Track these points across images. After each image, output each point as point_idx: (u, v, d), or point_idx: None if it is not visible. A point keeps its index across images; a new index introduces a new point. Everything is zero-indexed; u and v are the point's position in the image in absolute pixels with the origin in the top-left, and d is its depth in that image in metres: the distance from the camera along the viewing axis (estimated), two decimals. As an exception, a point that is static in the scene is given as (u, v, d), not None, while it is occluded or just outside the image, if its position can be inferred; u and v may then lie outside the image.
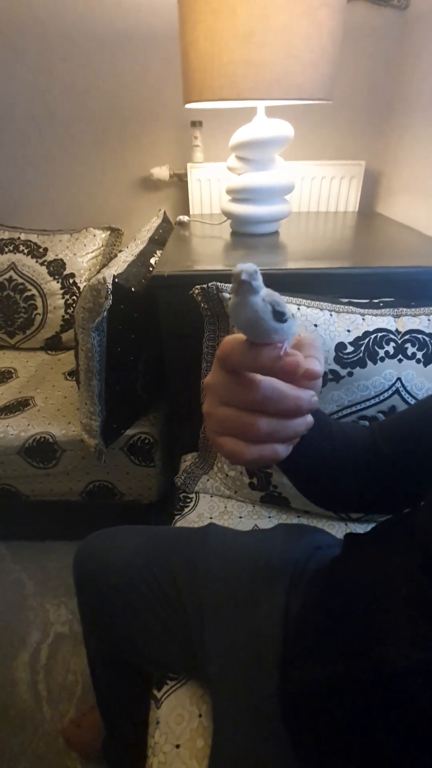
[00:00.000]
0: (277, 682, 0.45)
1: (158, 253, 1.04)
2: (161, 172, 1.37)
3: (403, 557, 0.37)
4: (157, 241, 1.10)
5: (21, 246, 1.35)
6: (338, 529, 0.76)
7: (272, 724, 0.43)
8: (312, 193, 1.37)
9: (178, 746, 0.51)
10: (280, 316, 0.25)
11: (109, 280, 0.79)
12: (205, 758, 0.49)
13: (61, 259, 1.34)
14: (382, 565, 0.40)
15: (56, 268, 1.34)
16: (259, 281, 0.25)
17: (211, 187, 1.35)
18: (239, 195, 1.01)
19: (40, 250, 1.35)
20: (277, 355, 0.26)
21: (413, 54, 1.19)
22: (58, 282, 1.34)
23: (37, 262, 1.34)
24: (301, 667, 0.42)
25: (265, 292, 0.26)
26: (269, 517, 0.80)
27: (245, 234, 1.08)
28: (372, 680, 0.34)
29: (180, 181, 1.41)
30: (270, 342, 0.26)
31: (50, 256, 1.34)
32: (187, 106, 0.95)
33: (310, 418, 0.29)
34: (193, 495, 0.85)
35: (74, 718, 0.85)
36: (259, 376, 0.27)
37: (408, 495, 0.45)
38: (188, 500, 0.84)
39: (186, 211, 1.43)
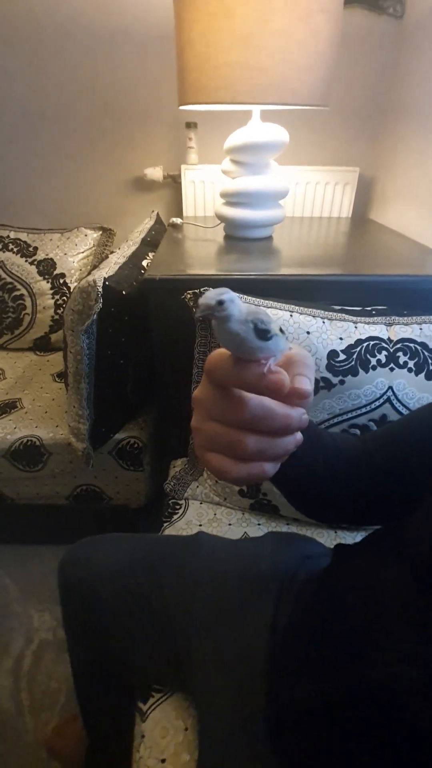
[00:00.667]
0: (263, 699, 0.44)
1: (150, 255, 1.03)
2: (155, 172, 1.36)
3: (393, 570, 0.37)
4: (150, 243, 1.09)
5: (10, 244, 1.32)
6: (327, 538, 0.76)
7: (259, 742, 0.42)
8: (306, 198, 1.37)
9: (163, 761, 0.50)
10: (263, 334, 0.25)
11: (100, 283, 0.78)
12: (190, 774, 0.48)
13: (52, 259, 1.32)
14: (372, 578, 0.39)
15: (46, 268, 1.32)
16: (227, 309, 0.24)
17: (205, 189, 1.34)
18: (233, 199, 1.01)
19: (30, 249, 1.33)
20: (260, 373, 0.25)
21: (408, 63, 1.20)
22: (48, 282, 1.32)
23: (26, 261, 1.32)
24: (288, 684, 0.42)
25: (247, 310, 0.25)
26: (259, 525, 0.79)
27: (239, 238, 1.08)
28: (362, 699, 0.33)
29: (174, 182, 1.40)
30: (255, 359, 0.26)
31: (40, 256, 1.32)
32: (182, 107, 0.94)
33: (299, 435, 0.28)
34: (183, 502, 0.84)
35: (57, 727, 0.84)
36: (247, 394, 0.26)
37: (399, 505, 0.45)
38: (177, 507, 0.83)
39: (179, 213, 1.42)
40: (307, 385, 0.27)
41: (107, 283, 0.80)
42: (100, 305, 0.78)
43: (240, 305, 0.25)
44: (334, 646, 0.38)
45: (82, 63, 1.27)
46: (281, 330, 0.27)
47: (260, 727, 0.42)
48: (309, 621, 0.45)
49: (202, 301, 0.24)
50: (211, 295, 0.24)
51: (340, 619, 0.39)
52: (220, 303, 0.24)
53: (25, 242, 1.33)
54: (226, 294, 0.24)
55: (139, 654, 0.56)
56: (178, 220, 1.22)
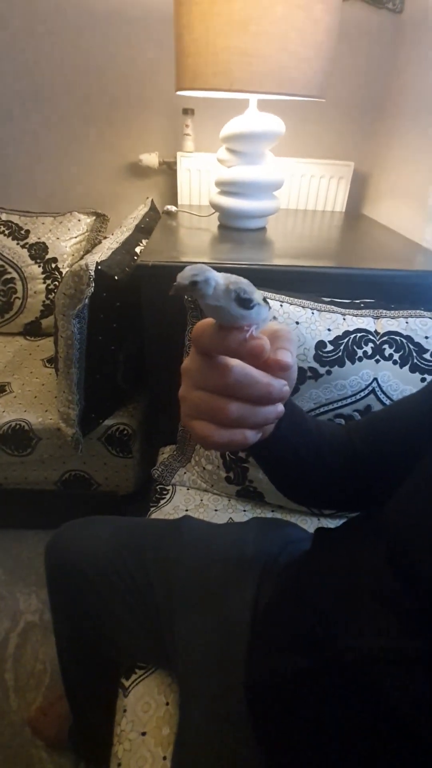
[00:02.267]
0: (243, 673, 0.45)
1: (144, 242, 1.03)
2: (150, 158, 1.35)
3: (370, 553, 0.38)
4: (144, 229, 1.09)
5: (2, 226, 1.30)
6: (311, 524, 0.78)
7: (237, 714, 0.44)
8: (300, 190, 1.38)
9: (143, 734, 0.52)
10: (246, 303, 0.26)
11: (92, 267, 0.78)
12: (170, 745, 0.50)
13: (44, 243, 1.30)
14: (350, 560, 0.41)
15: (38, 252, 1.30)
16: (201, 290, 0.25)
17: (200, 177, 1.34)
18: (228, 188, 1.01)
19: (22, 232, 1.31)
20: (242, 338, 0.27)
21: (406, 58, 1.20)
22: (39, 266, 1.31)
23: (18, 244, 1.30)
24: (267, 659, 0.43)
25: (226, 281, 0.26)
26: (244, 511, 0.81)
27: (233, 228, 1.08)
28: (336, 672, 0.35)
29: (169, 169, 1.39)
30: (238, 326, 0.27)
31: (32, 239, 1.31)
32: (179, 93, 0.93)
33: (280, 407, 0.29)
34: (170, 487, 0.85)
35: (41, 707, 0.85)
36: (231, 361, 0.28)
37: (381, 493, 0.46)
38: (165, 492, 0.84)
39: (174, 200, 1.41)
40: (288, 357, 0.28)
41: (99, 267, 0.80)
42: (92, 289, 0.78)
43: (217, 281, 0.25)
44: (312, 623, 0.40)
45: (78, 43, 1.25)
46: (265, 300, 0.28)
47: (239, 698, 0.44)
48: (289, 599, 0.47)
49: (178, 280, 0.24)
50: (186, 275, 0.25)
51: (319, 598, 0.41)
52: (194, 284, 0.24)
53: (17, 225, 1.31)
54: (200, 275, 0.24)
55: (124, 633, 0.57)
56: (173, 208, 1.21)
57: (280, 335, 0.30)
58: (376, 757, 0.32)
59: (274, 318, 0.71)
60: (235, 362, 0.27)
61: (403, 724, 0.30)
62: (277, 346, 0.29)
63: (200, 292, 0.25)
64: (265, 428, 0.32)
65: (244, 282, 0.26)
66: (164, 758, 0.49)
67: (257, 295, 0.27)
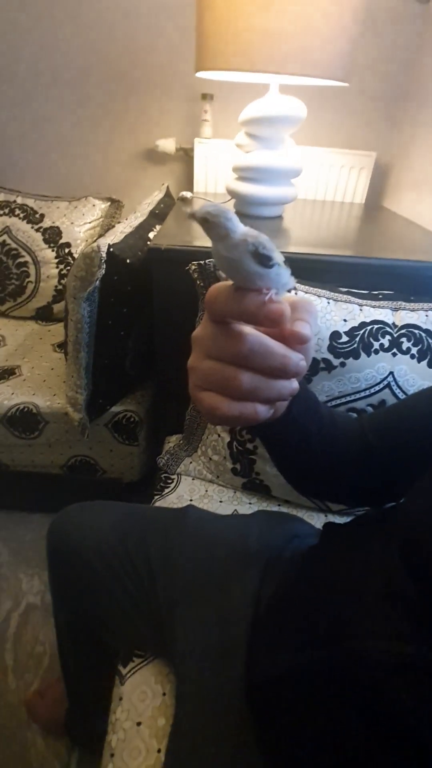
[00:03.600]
0: (243, 667, 0.44)
1: (157, 227, 1.01)
2: (167, 144, 1.33)
3: (380, 550, 0.37)
4: (158, 215, 1.07)
5: (17, 210, 1.30)
6: (317, 520, 0.76)
7: (235, 709, 0.42)
8: (319, 180, 1.34)
9: (139, 723, 0.51)
10: (265, 260, 0.24)
11: (104, 249, 0.76)
12: (165, 737, 0.49)
13: (58, 227, 1.30)
14: (359, 557, 0.39)
15: (52, 236, 1.30)
16: (226, 224, 0.23)
17: (217, 164, 1.31)
18: (246, 174, 0.98)
19: (37, 215, 1.30)
20: (261, 301, 0.25)
21: (430, 46, 1.15)
22: (53, 250, 1.30)
23: (32, 228, 1.29)
24: (268, 654, 0.42)
25: (248, 232, 0.24)
26: (249, 504, 0.79)
27: (249, 215, 1.05)
28: (340, 671, 0.33)
29: (186, 156, 1.37)
30: (255, 288, 0.25)
31: (46, 223, 1.30)
32: (198, 74, 0.91)
33: (295, 383, 0.28)
34: (175, 476, 0.84)
35: (39, 690, 0.85)
36: (247, 329, 0.26)
37: (393, 490, 0.44)
38: (169, 481, 0.83)
39: (190, 187, 1.39)
40: (307, 330, 0.26)
41: (111, 250, 0.78)
42: (103, 272, 0.76)
43: (233, 228, 0.24)
44: (315, 620, 0.38)
45: (98, 25, 1.23)
46: (285, 263, 0.26)
47: (238, 692, 0.43)
48: (293, 594, 0.45)
49: (199, 211, 0.23)
50: (203, 209, 0.23)
51: (325, 594, 0.39)
52: (204, 220, 0.23)
53: (32, 209, 1.30)
54: (215, 213, 0.23)
55: (123, 619, 0.56)
56: (188, 194, 1.19)
57: (299, 306, 0.27)
58: (375, 759, 0.30)
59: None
60: (250, 330, 0.26)
61: (405, 728, 0.29)
62: (296, 317, 0.26)
63: (210, 230, 0.23)
64: (278, 406, 0.30)
65: (264, 237, 0.24)
66: (158, 750, 0.48)
67: (278, 254, 0.25)
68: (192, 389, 0.28)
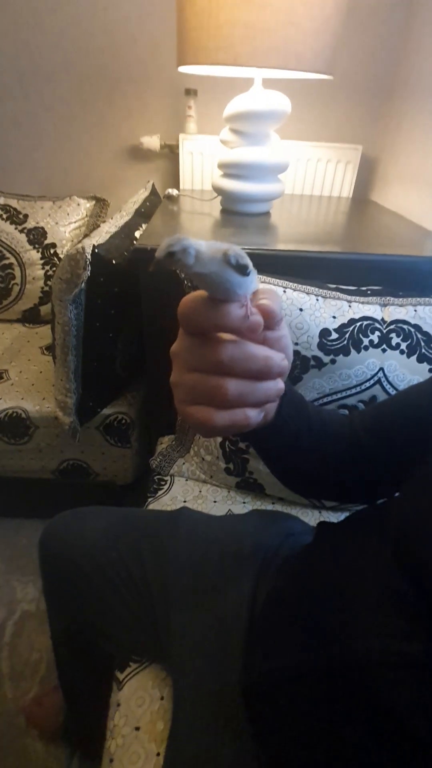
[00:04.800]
0: (239, 670, 0.44)
1: (143, 226, 1.00)
2: (152, 141, 1.31)
3: (374, 548, 0.37)
4: (144, 214, 1.06)
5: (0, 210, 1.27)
6: (312, 517, 0.76)
7: (232, 711, 0.42)
8: (306, 175, 1.34)
9: (137, 728, 0.50)
10: (243, 269, 0.24)
11: (89, 250, 0.75)
12: (164, 741, 0.48)
13: (42, 228, 1.27)
14: (353, 555, 0.39)
15: (36, 237, 1.27)
16: (182, 259, 0.23)
17: (203, 161, 1.30)
18: (231, 170, 0.97)
19: (20, 216, 1.28)
20: (244, 314, 0.25)
21: (417, 39, 1.15)
22: (38, 251, 1.28)
23: (16, 228, 1.27)
24: (264, 655, 0.42)
25: (214, 245, 0.24)
26: (244, 503, 0.79)
27: (236, 212, 1.05)
28: (336, 671, 0.33)
29: (171, 152, 1.35)
30: (235, 299, 0.25)
31: (31, 224, 1.28)
32: (181, 69, 0.90)
33: (281, 384, 0.28)
34: (168, 478, 0.84)
35: (36, 697, 0.84)
36: (224, 336, 0.26)
37: (384, 486, 0.44)
38: (163, 483, 0.82)
39: (176, 184, 1.38)
40: (272, 306, 0.26)
41: (96, 251, 0.77)
42: (89, 273, 0.75)
43: (198, 248, 0.23)
44: (312, 620, 0.38)
45: (78, 20, 1.21)
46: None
47: (235, 695, 0.43)
48: (288, 595, 0.45)
49: (156, 254, 0.23)
50: (161, 248, 0.23)
51: (320, 594, 0.39)
52: (171, 255, 0.23)
53: (15, 209, 1.28)
54: (176, 244, 0.22)
55: (118, 625, 0.56)
56: (174, 192, 1.18)
57: (260, 290, 0.28)
58: (372, 757, 0.31)
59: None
60: (228, 336, 0.26)
61: (402, 726, 0.29)
62: (259, 299, 0.27)
63: (180, 262, 0.23)
64: (267, 409, 0.30)
65: (235, 247, 0.24)
66: (158, 754, 0.48)
67: (248, 260, 0.25)
68: (179, 405, 0.28)
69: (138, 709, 0.52)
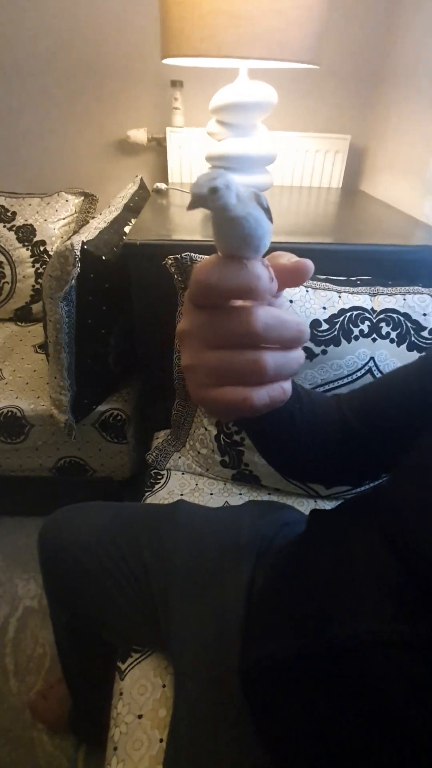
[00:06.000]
0: (237, 655, 0.45)
1: (132, 221, 0.99)
2: (139, 135, 1.30)
3: (367, 533, 0.37)
4: (133, 208, 1.05)
5: (-13, 209, 1.26)
6: (307, 507, 0.77)
7: (232, 697, 0.43)
8: (295, 166, 1.33)
9: (140, 716, 0.52)
10: (269, 214, 0.22)
11: (78, 247, 0.75)
12: (166, 727, 0.49)
13: (31, 225, 1.27)
14: (346, 541, 0.40)
15: (25, 234, 1.26)
16: (223, 198, 0.20)
17: (191, 153, 1.29)
18: (219, 162, 0.97)
19: (8, 214, 1.27)
20: (269, 274, 0.22)
21: (403, 25, 1.14)
22: (27, 249, 1.27)
23: (5, 226, 1.26)
24: (261, 642, 0.42)
25: (248, 192, 0.22)
26: (240, 495, 0.80)
27: (225, 205, 1.04)
28: (330, 655, 0.34)
29: (159, 145, 1.34)
30: (254, 253, 0.22)
31: (19, 221, 1.27)
32: (165, 61, 0.89)
33: (302, 352, 0.25)
34: (165, 472, 0.84)
35: (41, 691, 0.86)
36: (251, 304, 0.23)
37: (371, 467, 0.45)
38: (159, 477, 0.83)
39: (164, 178, 1.37)
40: (304, 261, 0.24)
41: (86, 247, 0.77)
42: (78, 270, 0.75)
43: (238, 187, 0.21)
44: (307, 605, 0.39)
45: (61, 14, 1.19)
46: None
47: (234, 682, 0.44)
48: (284, 582, 0.46)
49: (193, 189, 0.20)
50: (202, 182, 0.20)
51: (314, 581, 0.40)
52: (214, 191, 0.20)
53: (2, 207, 1.27)
54: (220, 178, 0.20)
55: (119, 617, 0.56)
56: (163, 186, 1.17)
57: (276, 253, 0.25)
58: (370, 739, 0.31)
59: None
60: (256, 304, 0.23)
61: (395, 706, 0.29)
62: (287, 257, 0.24)
63: (222, 200, 0.20)
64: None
65: (254, 190, 0.22)
66: (161, 740, 0.49)
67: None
68: (197, 390, 0.25)
69: (140, 697, 0.53)
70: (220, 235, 0.22)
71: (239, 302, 0.24)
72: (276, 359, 0.23)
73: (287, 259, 0.25)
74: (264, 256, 0.24)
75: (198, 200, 0.20)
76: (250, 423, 0.38)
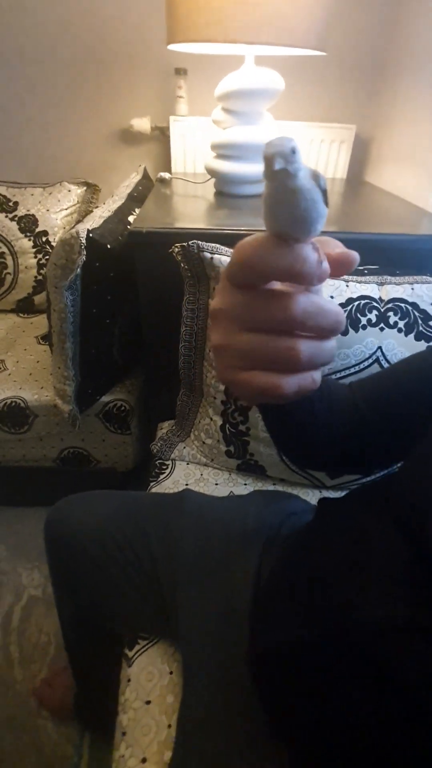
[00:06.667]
0: (245, 641, 0.45)
1: (137, 210, 0.99)
2: (142, 123, 1.28)
3: (378, 521, 0.37)
4: (136, 198, 1.04)
5: (-11, 198, 1.25)
6: (312, 497, 0.77)
7: (241, 683, 0.43)
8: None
9: (148, 702, 0.52)
10: (326, 197, 0.21)
11: (83, 235, 0.74)
12: (174, 713, 0.50)
13: (33, 215, 1.26)
14: (357, 528, 0.40)
15: (28, 225, 1.25)
16: (297, 162, 0.20)
17: (195, 142, 1.28)
18: (224, 151, 0.96)
19: (10, 204, 1.26)
20: (318, 258, 0.21)
21: (410, 14, 1.13)
22: (30, 240, 1.26)
23: (6, 216, 1.25)
24: (268, 628, 0.43)
25: (307, 170, 0.21)
26: (245, 485, 0.80)
27: (229, 194, 1.03)
28: (341, 641, 0.34)
29: (162, 135, 1.33)
30: (314, 233, 0.21)
31: (21, 211, 1.26)
32: (171, 47, 0.87)
33: (335, 342, 0.25)
34: (169, 462, 0.84)
35: (46, 678, 0.86)
36: (290, 288, 0.22)
37: (383, 456, 0.45)
38: (164, 467, 0.83)
39: (168, 167, 1.35)
40: (351, 253, 0.24)
41: (91, 235, 0.76)
42: (84, 258, 0.74)
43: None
44: (319, 592, 0.39)
45: (63, 0, 1.17)
46: None
47: (242, 668, 0.44)
48: (292, 570, 0.46)
49: (274, 150, 0.19)
50: (280, 142, 0.19)
51: (324, 568, 0.40)
52: (293, 151, 0.19)
53: (4, 197, 1.26)
54: (294, 142, 0.19)
55: (126, 605, 0.57)
56: (167, 175, 1.16)
57: (323, 240, 0.24)
58: (379, 724, 0.31)
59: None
60: (295, 289, 0.22)
61: (408, 691, 0.29)
62: (331, 246, 0.24)
63: (297, 163, 0.19)
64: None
65: (313, 169, 0.21)
66: (169, 726, 0.49)
67: None
68: (225, 371, 0.24)
69: (148, 683, 0.53)
70: (274, 210, 0.21)
71: (278, 285, 0.23)
72: (311, 348, 0.23)
73: (333, 247, 0.24)
74: None
75: (282, 157, 0.19)
76: (271, 407, 0.38)
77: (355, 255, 0.24)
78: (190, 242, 0.70)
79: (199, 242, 0.70)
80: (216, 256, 0.70)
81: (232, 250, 0.71)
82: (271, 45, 0.78)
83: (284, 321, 0.22)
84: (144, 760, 0.47)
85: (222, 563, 0.52)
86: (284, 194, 0.20)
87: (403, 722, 0.30)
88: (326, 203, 0.21)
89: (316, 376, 0.24)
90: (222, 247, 0.71)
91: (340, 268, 0.23)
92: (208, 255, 0.70)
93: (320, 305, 0.22)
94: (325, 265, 0.22)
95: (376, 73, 1.28)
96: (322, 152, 1.31)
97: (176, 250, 0.71)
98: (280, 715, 0.40)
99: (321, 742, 0.35)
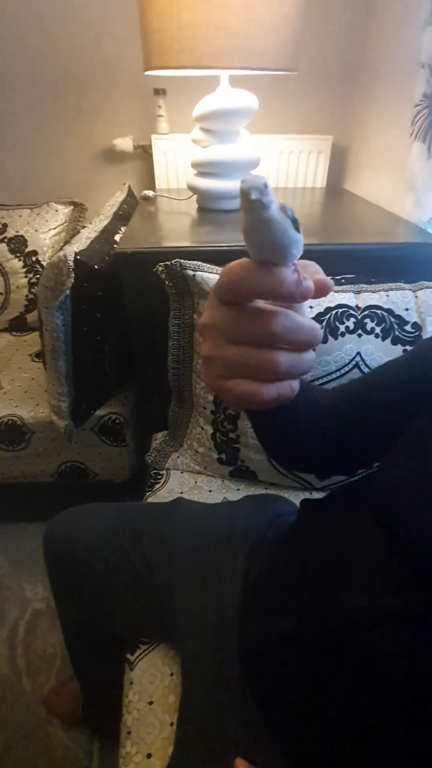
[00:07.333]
0: (237, 639, 0.48)
1: (122, 229, 1.02)
2: (124, 143, 1.32)
3: (359, 515, 0.39)
4: (122, 216, 1.07)
5: (-22, 221, 1.28)
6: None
7: (235, 679, 0.46)
8: (279, 168, 1.36)
9: (151, 703, 0.54)
10: (297, 225, 0.23)
11: (71, 257, 0.77)
12: (176, 712, 0.52)
13: (22, 236, 1.29)
14: (338, 523, 0.42)
15: (17, 245, 1.29)
16: (269, 195, 0.22)
17: (177, 159, 1.31)
18: (205, 169, 1.00)
19: None
20: (298, 279, 0.24)
21: (378, 24, 1.17)
22: (20, 260, 1.29)
23: (-4, 238, 1.28)
24: (256, 624, 0.45)
25: (278, 203, 0.23)
26: (238, 490, 0.83)
27: (212, 210, 1.07)
28: (327, 631, 0.36)
29: (145, 153, 1.37)
30: (286, 260, 0.24)
31: (10, 233, 1.29)
32: (147, 73, 0.91)
33: (314, 354, 0.28)
34: (164, 472, 0.87)
35: (54, 687, 0.88)
36: (273, 306, 0.25)
37: (365, 456, 0.47)
38: (159, 477, 0.86)
39: (152, 185, 1.39)
40: (327, 279, 0.27)
41: (78, 257, 0.79)
42: (72, 280, 0.77)
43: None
44: (303, 586, 0.41)
45: (41, 27, 1.21)
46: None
47: (234, 664, 0.46)
48: (278, 567, 0.48)
49: (249, 185, 0.21)
50: (253, 179, 0.22)
51: (308, 562, 0.42)
52: (266, 186, 0.21)
53: (-7, 219, 1.29)
54: (261, 178, 0.22)
55: (125, 612, 0.59)
56: (151, 193, 1.20)
57: (305, 263, 0.27)
58: (369, 708, 0.33)
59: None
60: (275, 307, 0.25)
61: (391, 674, 0.31)
62: (313, 271, 0.27)
63: (270, 196, 0.22)
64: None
65: (285, 204, 0.24)
66: (171, 724, 0.52)
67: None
68: (213, 380, 0.27)
69: (150, 685, 0.56)
70: (252, 239, 0.23)
71: (263, 303, 0.26)
72: (289, 360, 0.25)
73: (312, 273, 0.27)
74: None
75: (258, 190, 0.21)
76: (258, 413, 0.40)
77: (330, 282, 0.27)
78: (173, 261, 0.73)
79: (182, 261, 0.73)
80: (198, 273, 0.73)
81: (216, 267, 0.75)
82: (243, 69, 0.82)
83: (265, 336, 0.25)
84: (149, 756, 0.50)
85: (213, 567, 0.55)
86: (259, 223, 0.23)
87: (388, 703, 0.32)
88: (298, 230, 0.24)
89: (294, 384, 0.27)
90: (204, 264, 0.74)
91: (317, 293, 0.27)
92: (191, 272, 0.73)
93: (298, 322, 0.25)
94: (307, 284, 0.24)
95: (349, 84, 1.32)
96: (301, 163, 1.35)
97: (160, 269, 0.74)
98: (271, 708, 0.42)
99: (312, 732, 0.37)
